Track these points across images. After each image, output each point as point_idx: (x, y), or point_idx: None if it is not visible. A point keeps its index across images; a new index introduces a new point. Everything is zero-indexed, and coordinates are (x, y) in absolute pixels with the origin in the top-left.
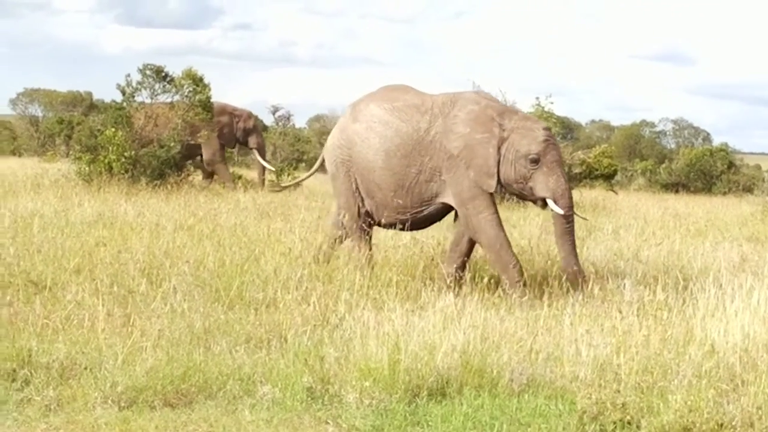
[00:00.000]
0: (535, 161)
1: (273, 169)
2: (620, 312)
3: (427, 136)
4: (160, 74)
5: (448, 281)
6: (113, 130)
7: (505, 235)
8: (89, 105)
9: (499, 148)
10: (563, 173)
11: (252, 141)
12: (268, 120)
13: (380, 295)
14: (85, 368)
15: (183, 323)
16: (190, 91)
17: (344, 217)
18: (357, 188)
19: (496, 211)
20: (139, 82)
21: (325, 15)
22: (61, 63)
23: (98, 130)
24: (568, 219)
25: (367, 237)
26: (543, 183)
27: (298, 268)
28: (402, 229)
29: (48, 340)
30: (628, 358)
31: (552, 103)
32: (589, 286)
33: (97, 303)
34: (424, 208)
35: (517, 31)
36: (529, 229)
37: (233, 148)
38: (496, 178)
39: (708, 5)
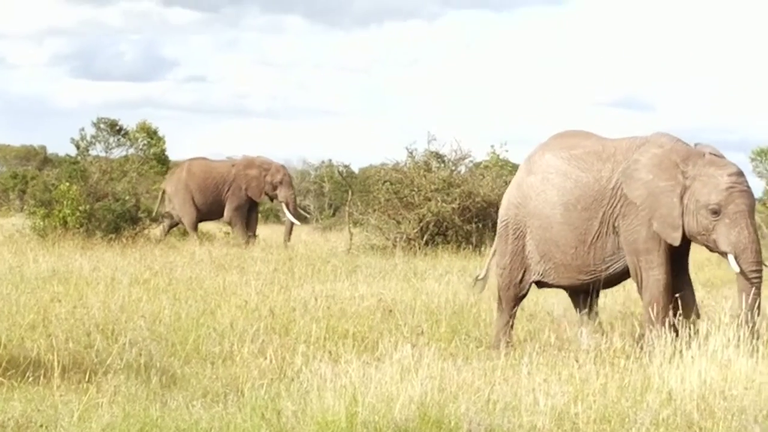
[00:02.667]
0: (716, 212)
1: (299, 223)
2: (577, 360)
3: (609, 185)
4: (114, 128)
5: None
6: (68, 184)
7: (669, 299)
8: (43, 159)
9: (682, 198)
10: (749, 225)
11: (281, 195)
12: None
13: (337, 347)
14: (41, 426)
15: (139, 379)
16: (144, 144)
17: (501, 278)
18: (525, 251)
19: (669, 271)
20: (93, 136)
21: (278, 66)
22: (15, 117)
23: (53, 185)
24: (751, 277)
25: (517, 307)
26: (725, 236)
27: (255, 320)
28: (588, 291)
29: (3, 398)
30: (586, 407)
31: (507, 151)
32: (546, 334)
33: (52, 359)
34: (609, 264)
35: (476, 77)
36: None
37: (261, 201)
38: (681, 231)
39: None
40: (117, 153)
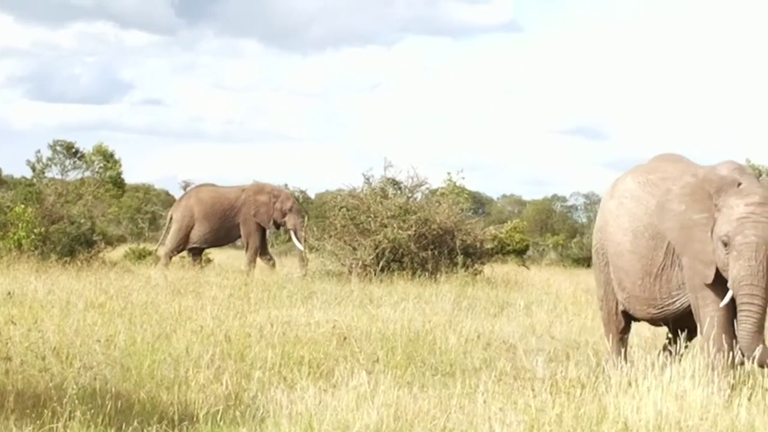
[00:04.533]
0: (726, 244)
1: (305, 250)
2: (533, 389)
3: None
4: (71, 150)
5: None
6: (23, 206)
7: (723, 335)
8: None
9: (711, 232)
10: (755, 258)
11: (290, 222)
12: (179, 195)
13: (292, 373)
14: None
15: (94, 403)
16: (100, 167)
17: (601, 310)
18: (611, 279)
19: (717, 310)
20: (49, 158)
21: (234, 90)
22: None
23: (7, 207)
24: (741, 317)
25: (624, 340)
26: (730, 271)
27: (210, 346)
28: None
29: None
30: None
31: (463, 178)
32: (502, 363)
33: (6, 383)
34: (675, 299)
35: (433, 104)
36: (442, 305)
37: (269, 228)
38: (713, 268)
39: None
40: (73, 176)
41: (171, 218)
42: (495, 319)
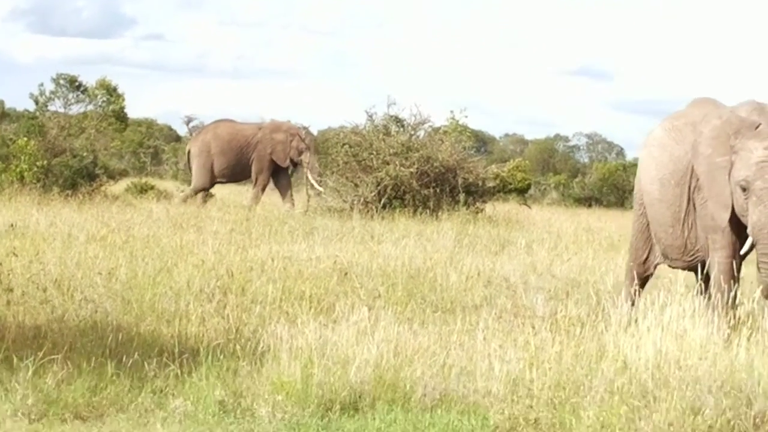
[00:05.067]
0: (745, 189)
1: (322, 189)
2: (533, 327)
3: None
4: (74, 84)
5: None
6: (25, 139)
7: (732, 282)
8: (1, 114)
9: (729, 175)
10: None
11: (305, 160)
12: (181, 130)
13: (293, 308)
14: None
15: (95, 335)
16: (103, 101)
17: (629, 254)
18: (650, 230)
19: (734, 253)
20: (52, 92)
21: (243, 25)
22: None
23: (10, 139)
24: (761, 267)
25: (640, 289)
26: (749, 216)
27: (211, 280)
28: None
29: None
30: (541, 374)
31: (466, 116)
32: (502, 300)
33: (8, 314)
34: (703, 243)
35: (438, 43)
36: (443, 242)
37: (286, 166)
38: (729, 211)
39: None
40: (76, 109)
41: (189, 153)
42: (496, 257)
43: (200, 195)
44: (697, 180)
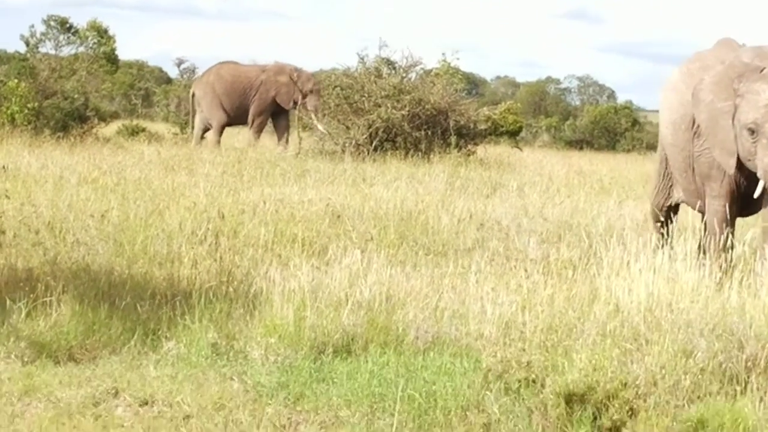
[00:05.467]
0: (753, 132)
1: (327, 131)
2: (525, 270)
3: None
4: (65, 26)
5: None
6: (16, 81)
7: (726, 231)
8: None
9: (733, 119)
10: None
11: (310, 103)
12: (173, 72)
13: (285, 251)
14: None
15: (87, 278)
16: (94, 43)
17: (650, 197)
18: (670, 174)
19: (730, 202)
20: (43, 33)
21: None
22: None
23: (1, 81)
24: None
25: (665, 228)
26: (759, 159)
27: (203, 222)
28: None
29: None
30: (533, 317)
31: (458, 59)
32: (494, 243)
33: (0, 256)
34: None
35: None
36: (435, 185)
37: (290, 108)
38: (735, 157)
39: None
40: (66, 51)
41: (193, 95)
42: (487, 200)
43: (197, 136)
44: (698, 127)
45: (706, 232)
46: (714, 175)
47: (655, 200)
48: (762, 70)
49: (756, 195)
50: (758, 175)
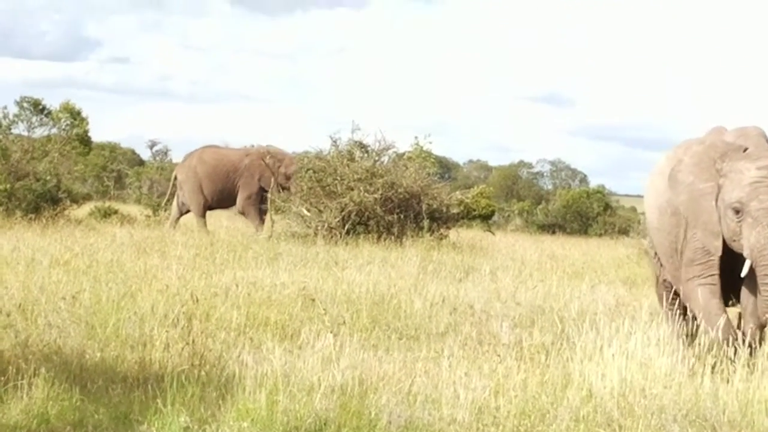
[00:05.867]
0: (738, 211)
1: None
2: (498, 355)
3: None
4: (38, 107)
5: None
6: None
7: (717, 306)
8: None
9: (717, 200)
10: None
11: (293, 186)
12: (145, 154)
13: (258, 334)
14: None
15: (59, 360)
16: (67, 125)
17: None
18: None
19: (714, 281)
20: (15, 115)
21: (200, 49)
22: None
23: None
24: (763, 290)
25: (676, 311)
26: (745, 239)
27: (175, 305)
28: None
29: None
30: (506, 401)
31: (430, 142)
32: (467, 328)
33: None
34: None
35: (400, 68)
36: (408, 268)
37: (272, 192)
38: (721, 239)
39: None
40: (39, 132)
41: (175, 178)
42: (460, 284)
43: (173, 219)
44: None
45: (703, 321)
46: (697, 258)
47: (656, 284)
48: (745, 150)
49: (743, 274)
50: (745, 254)
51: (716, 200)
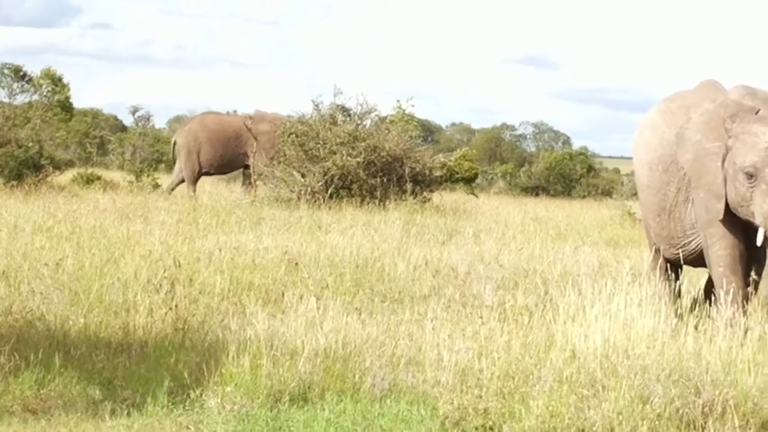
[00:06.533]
0: (751, 176)
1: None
2: (481, 317)
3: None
4: (19, 73)
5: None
6: None
7: (737, 276)
8: None
9: (723, 162)
10: None
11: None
12: (127, 120)
13: (242, 299)
14: None
15: (42, 327)
16: (48, 91)
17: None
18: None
19: (733, 245)
20: None
21: (185, 15)
22: None
23: None
24: None
25: (671, 278)
26: (758, 205)
27: (159, 271)
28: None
29: None
30: (490, 363)
31: (413, 106)
32: (450, 290)
33: None
34: (690, 238)
35: (383, 32)
36: (391, 232)
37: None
38: (723, 202)
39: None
40: (20, 99)
41: (174, 143)
42: (443, 247)
43: (172, 183)
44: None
45: (717, 285)
46: (713, 220)
47: (649, 248)
48: (757, 111)
49: (759, 242)
50: (757, 222)
51: (723, 161)
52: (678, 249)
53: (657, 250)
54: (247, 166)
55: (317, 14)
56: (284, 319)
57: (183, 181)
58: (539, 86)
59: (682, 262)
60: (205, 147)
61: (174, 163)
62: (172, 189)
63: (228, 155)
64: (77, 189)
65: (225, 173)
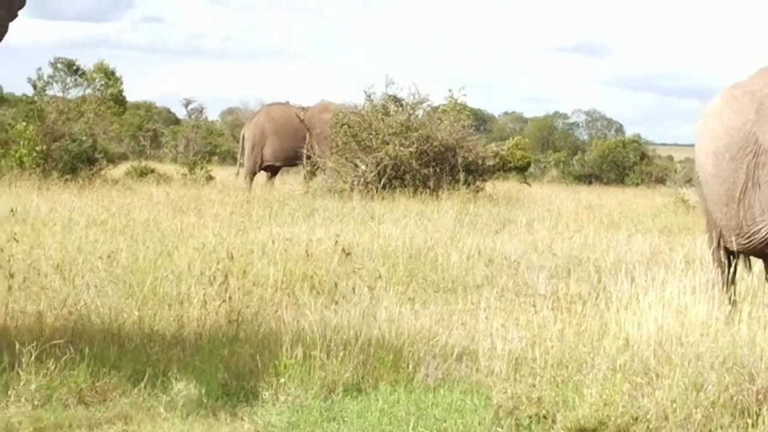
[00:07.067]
0: None
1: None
2: (535, 306)
3: (753, 129)
4: (72, 68)
5: None
6: (24, 124)
7: None
8: None
9: None
10: None
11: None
12: (180, 113)
13: (295, 290)
14: None
15: (97, 320)
16: (101, 85)
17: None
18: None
19: None
20: (50, 76)
21: (232, 7)
22: None
23: (9, 125)
24: None
25: (727, 270)
26: None
27: (212, 263)
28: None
29: None
30: (543, 352)
31: (465, 95)
32: (504, 279)
33: (9, 300)
34: (760, 225)
35: (433, 21)
36: (444, 221)
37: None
38: None
39: None
40: (74, 93)
41: (243, 137)
42: (496, 236)
43: (248, 179)
44: (761, 154)
45: None
46: None
47: (708, 243)
48: None
49: None
50: None
51: None
52: (748, 239)
53: (717, 239)
54: (310, 157)
55: (358, 2)
56: (337, 309)
57: (259, 170)
58: (591, 74)
59: (751, 253)
60: (271, 139)
61: (242, 155)
62: (270, 179)
63: (294, 147)
64: (131, 182)
65: (293, 165)
